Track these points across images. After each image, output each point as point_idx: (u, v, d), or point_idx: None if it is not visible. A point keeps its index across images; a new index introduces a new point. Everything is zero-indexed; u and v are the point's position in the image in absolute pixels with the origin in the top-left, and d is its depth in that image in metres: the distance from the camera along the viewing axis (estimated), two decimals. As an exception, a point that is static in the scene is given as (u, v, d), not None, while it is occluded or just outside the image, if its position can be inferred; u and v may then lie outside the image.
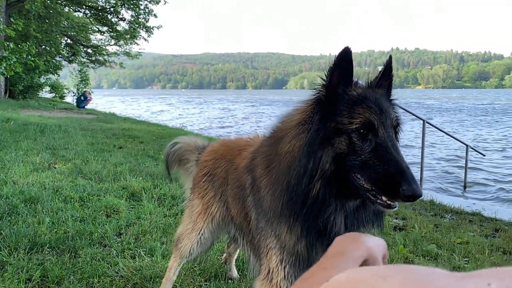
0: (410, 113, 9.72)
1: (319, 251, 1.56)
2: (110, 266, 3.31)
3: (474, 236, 4.85)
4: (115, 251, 3.58)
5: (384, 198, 1.33)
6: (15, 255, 3.33)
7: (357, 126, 1.37)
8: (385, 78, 1.58)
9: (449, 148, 18.19)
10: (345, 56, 1.42)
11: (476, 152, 11.80)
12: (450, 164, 14.93)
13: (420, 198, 6.07)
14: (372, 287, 0.47)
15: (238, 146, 2.32)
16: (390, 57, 1.64)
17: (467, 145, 10.83)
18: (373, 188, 1.34)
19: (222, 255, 3.51)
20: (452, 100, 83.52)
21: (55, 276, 3.03)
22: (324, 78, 1.49)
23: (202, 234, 2.52)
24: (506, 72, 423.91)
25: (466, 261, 4.07)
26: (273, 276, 1.66)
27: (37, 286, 2.97)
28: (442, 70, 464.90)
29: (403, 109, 9.55)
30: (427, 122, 9.45)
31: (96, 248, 3.65)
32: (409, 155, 16.80)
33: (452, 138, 11.42)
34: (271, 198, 1.63)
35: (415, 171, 12.00)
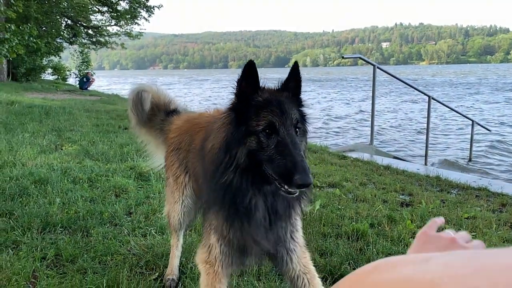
0: (417, 89, 9.68)
1: (247, 232, 1.82)
2: (122, 244, 3.36)
3: (481, 211, 4.87)
4: (126, 229, 3.63)
5: (286, 186, 1.58)
6: (29, 235, 3.39)
7: (262, 127, 1.64)
8: (292, 80, 1.79)
9: (450, 122, 18.24)
10: (250, 68, 1.68)
11: (482, 127, 11.76)
12: (454, 138, 14.94)
13: (426, 175, 5.98)
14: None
15: (199, 124, 2.50)
16: (296, 62, 1.85)
17: (472, 121, 10.80)
18: (276, 177, 1.59)
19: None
20: (449, 75, 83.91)
21: (69, 255, 3.09)
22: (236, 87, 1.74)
23: (183, 202, 2.68)
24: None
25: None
26: (212, 250, 1.97)
27: (52, 264, 3.02)
28: (446, 45, 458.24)
29: (410, 86, 9.49)
30: (433, 98, 9.40)
31: (107, 227, 3.70)
32: (413, 126, 16.83)
33: (456, 113, 11.36)
34: (206, 187, 1.92)
35: (420, 145, 11.96)
